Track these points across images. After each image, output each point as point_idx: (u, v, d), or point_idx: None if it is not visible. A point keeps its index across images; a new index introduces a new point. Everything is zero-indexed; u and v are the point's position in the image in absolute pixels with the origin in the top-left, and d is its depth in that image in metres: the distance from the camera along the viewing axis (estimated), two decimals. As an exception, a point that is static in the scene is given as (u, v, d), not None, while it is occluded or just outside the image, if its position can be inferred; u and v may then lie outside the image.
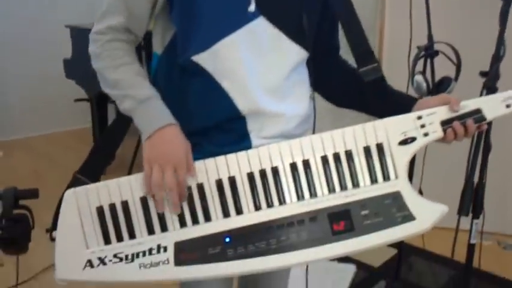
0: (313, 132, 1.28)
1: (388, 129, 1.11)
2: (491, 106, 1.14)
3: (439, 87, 1.82)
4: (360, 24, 1.19)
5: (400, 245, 2.19)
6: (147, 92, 1.10)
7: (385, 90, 1.20)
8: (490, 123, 1.67)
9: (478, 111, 1.13)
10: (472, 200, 1.72)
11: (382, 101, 1.19)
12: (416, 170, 2.02)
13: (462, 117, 1.12)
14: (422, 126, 1.12)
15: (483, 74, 1.71)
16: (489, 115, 1.13)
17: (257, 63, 1.13)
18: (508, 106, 1.14)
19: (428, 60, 1.87)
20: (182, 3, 1.10)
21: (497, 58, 1.69)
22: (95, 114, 3.44)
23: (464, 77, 1.80)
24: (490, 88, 1.68)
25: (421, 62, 1.87)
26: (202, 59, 1.11)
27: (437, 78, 1.85)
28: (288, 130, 1.19)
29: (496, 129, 1.75)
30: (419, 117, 1.12)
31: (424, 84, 1.83)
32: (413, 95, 1.81)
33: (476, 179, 1.75)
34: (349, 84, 1.25)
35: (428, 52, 1.86)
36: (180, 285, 1.33)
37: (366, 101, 1.22)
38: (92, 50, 1.14)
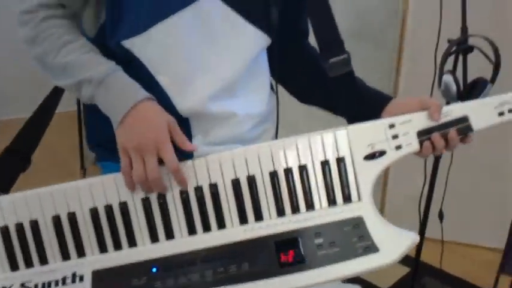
0: (277, 131, 1.09)
1: (352, 140, 0.92)
2: (481, 113, 0.94)
3: (472, 90, 1.57)
4: (329, 8, 0.97)
5: (414, 263, 1.97)
6: (103, 68, 0.90)
7: (355, 87, 1.00)
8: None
9: (464, 119, 0.94)
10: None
11: (350, 100, 0.99)
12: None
13: (444, 127, 0.93)
14: (395, 137, 0.93)
15: (482, 78, 1.52)
16: (477, 125, 0.93)
17: (206, 53, 0.94)
18: (501, 114, 0.94)
19: (461, 57, 1.60)
20: None
21: None
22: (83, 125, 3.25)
23: (502, 79, 1.53)
24: None
25: (451, 59, 1.60)
26: (134, 44, 0.91)
27: (470, 78, 1.59)
28: (241, 133, 1.00)
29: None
30: (392, 126, 0.93)
31: (454, 87, 1.56)
32: (439, 98, 1.56)
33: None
34: (315, 77, 1.05)
35: (461, 47, 1.59)
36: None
37: (332, 99, 1.02)
38: (24, 34, 0.93)
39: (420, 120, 0.93)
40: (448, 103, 1.62)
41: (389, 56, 2.32)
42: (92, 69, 0.88)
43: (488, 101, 0.95)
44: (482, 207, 2.27)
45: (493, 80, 1.52)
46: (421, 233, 1.91)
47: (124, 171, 0.87)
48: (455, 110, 0.94)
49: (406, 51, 2.30)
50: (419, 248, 1.92)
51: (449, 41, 1.60)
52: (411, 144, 0.93)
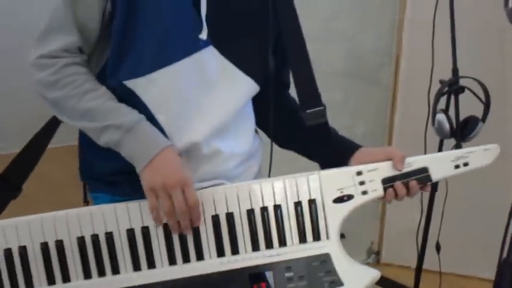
0: (259, 173, 1.17)
1: (323, 184, 1.01)
2: (439, 165, 1.04)
3: (464, 128, 1.63)
4: (309, 64, 1.07)
5: None
6: (131, 117, 0.95)
7: (328, 136, 1.09)
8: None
9: (424, 170, 1.04)
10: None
11: (323, 147, 1.08)
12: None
13: (406, 176, 1.03)
14: (362, 183, 1.02)
15: (474, 117, 1.57)
16: (435, 175, 1.04)
17: (202, 98, 1.01)
18: (457, 167, 1.05)
19: (453, 97, 1.66)
20: (125, 15, 0.95)
21: None
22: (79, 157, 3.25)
23: (493, 118, 1.61)
24: None
25: (443, 99, 1.67)
26: (136, 85, 0.98)
27: (462, 117, 1.65)
28: (227, 170, 1.07)
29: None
30: (359, 173, 1.02)
31: (447, 125, 1.61)
32: (433, 135, 1.66)
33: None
34: (293, 125, 1.13)
35: (453, 88, 1.65)
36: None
37: (308, 146, 1.11)
38: (42, 77, 0.97)
39: (385, 169, 1.03)
40: (441, 141, 1.72)
41: (384, 95, 2.40)
42: (120, 117, 0.94)
43: (446, 155, 1.05)
44: (479, 238, 2.26)
45: (483, 118, 1.60)
46: (419, 264, 1.95)
47: (152, 207, 0.93)
48: (416, 161, 1.04)
49: (400, 91, 2.36)
50: (417, 280, 1.98)
51: (441, 82, 1.68)
52: (376, 190, 1.02)
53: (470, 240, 2.35)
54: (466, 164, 1.05)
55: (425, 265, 1.98)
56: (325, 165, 1.05)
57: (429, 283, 2.09)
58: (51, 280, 0.96)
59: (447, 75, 1.68)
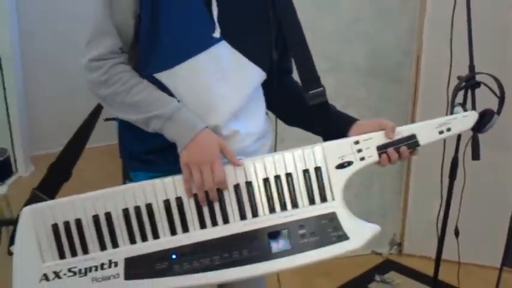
0: (272, 148, 1.35)
1: (326, 154, 1.19)
2: (425, 132, 1.21)
3: (481, 120, 1.65)
4: (308, 51, 1.26)
5: (432, 282, 2.10)
6: (170, 107, 1.14)
7: (328, 113, 1.27)
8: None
9: (412, 136, 1.21)
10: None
11: (325, 122, 1.26)
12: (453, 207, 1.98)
13: (397, 143, 1.20)
14: (359, 151, 1.19)
15: (490, 110, 1.61)
16: (423, 141, 1.21)
17: (220, 85, 1.19)
18: (441, 132, 1.21)
19: (470, 92, 1.77)
20: (150, 18, 1.14)
21: None
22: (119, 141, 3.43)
23: (508, 110, 1.69)
24: None
25: (461, 93, 1.77)
26: (163, 77, 1.17)
27: (478, 110, 1.63)
28: (244, 147, 1.25)
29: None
30: (357, 142, 1.20)
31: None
32: None
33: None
34: (298, 105, 1.31)
35: (470, 83, 1.77)
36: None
37: (311, 122, 1.29)
38: (94, 78, 1.15)
39: (379, 138, 1.20)
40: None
41: (405, 91, 2.56)
42: (161, 108, 1.14)
43: (431, 122, 1.22)
44: (497, 229, 2.27)
45: (499, 111, 1.67)
46: (438, 253, 2.04)
47: (186, 180, 1.13)
48: (405, 130, 1.21)
49: (421, 87, 2.52)
50: (436, 268, 2.08)
51: (459, 78, 1.80)
52: (372, 156, 1.20)
53: (489, 231, 2.43)
54: (448, 130, 1.22)
55: (446, 255, 2.07)
56: (327, 137, 1.23)
57: (448, 273, 2.21)
58: (103, 246, 1.15)
59: (465, 72, 1.79)
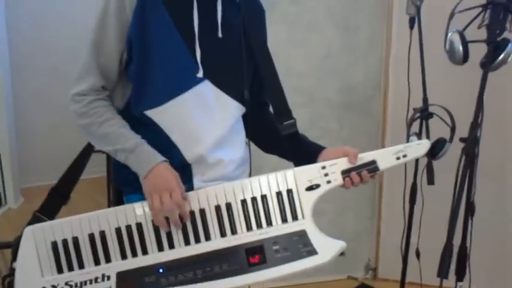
0: (250, 172, 1.50)
1: (297, 178, 1.34)
2: (384, 158, 1.37)
3: (434, 148, 1.86)
4: (280, 87, 1.43)
5: None
6: (133, 141, 1.30)
7: (298, 142, 1.43)
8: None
9: (373, 162, 1.37)
10: (455, 263, 1.73)
11: (296, 150, 1.42)
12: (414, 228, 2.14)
13: (359, 168, 1.36)
14: (326, 174, 1.35)
15: (462, 140, 1.80)
16: (382, 166, 1.37)
17: (204, 119, 1.35)
18: (398, 158, 1.37)
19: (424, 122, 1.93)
20: (140, 61, 1.30)
21: (475, 125, 1.77)
22: (110, 165, 3.51)
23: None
24: (468, 154, 1.75)
25: (418, 123, 1.94)
26: (154, 114, 1.33)
27: (434, 138, 1.88)
28: (227, 173, 1.40)
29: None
30: (323, 167, 1.36)
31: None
32: None
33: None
34: (273, 135, 1.46)
35: (424, 114, 1.94)
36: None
37: (284, 150, 1.45)
38: (75, 109, 1.32)
39: (343, 163, 1.36)
40: (416, 160, 1.99)
41: (376, 123, 2.76)
42: (126, 142, 1.29)
43: (389, 149, 1.38)
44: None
45: (450, 139, 1.86)
46: (403, 275, 2.19)
47: (151, 207, 1.27)
48: (366, 156, 1.37)
49: (389, 119, 2.70)
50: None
51: (414, 109, 1.99)
52: (337, 180, 1.35)
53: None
54: (404, 156, 1.38)
55: (412, 278, 2.20)
56: (298, 163, 1.38)
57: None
58: (97, 261, 1.28)
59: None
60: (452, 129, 1.86)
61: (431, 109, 1.92)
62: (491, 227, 2.49)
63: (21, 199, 3.76)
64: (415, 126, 1.97)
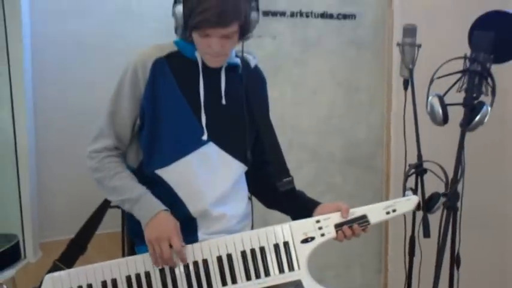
0: (252, 226, 1.62)
1: (293, 231, 1.46)
2: (375, 213, 1.48)
3: (430, 202, 1.93)
4: (279, 149, 1.57)
5: None
6: (138, 192, 1.44)
7: (296, 197, 1.56)
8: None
9: (364, 216, 1.48)
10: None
11: (293, 205, 1.55)
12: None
13: (351, 222, 1.47)
14: (320, 228, 1.46)
15: (444, 194, 1.89)
16: (373, 220, 1.48)
17: (208, 177, 1.49)
18: (387, 213, 1.49)
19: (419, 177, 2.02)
20: (151, 127, 1.47)
21: (455, 180, 1.85)
22: (124, 220, 3.63)
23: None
24: (449, 208, 1.82)
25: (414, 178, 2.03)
26: (163, 172, 1.47)
27: (430, 193, 1.95)
28: (230, 226, 1.53)
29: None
30: (318, 221, 1.47)
31: None
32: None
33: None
34: (273, 192, 1.58)
35: (418, 170, 2.04)
36: None
37: (283, 205, 1.57)
38: (91, 165, 1.49)
39: (336, 217, 1.47)
40: (414, 213, 2.10)
41: (379, 178, 2.86)
42: (132, 192, 1.44)
43: (379, 205, 1.49)
44: None
45: (444, 194, 1.92)
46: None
47: (150, 254, 1.39)
48: (358, 211, 1.48)
49: (392, 174, 2.78)
50: None
51: (409, 165, 2.09)
52: (330, 233, 1.46)
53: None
54: (394, 210, 1.49)
55: None
56: (295, 217, 1.50)
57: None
58: (108, 308, 1.39)
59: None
60: (447, 184, 1.95)
61: (425, 165, 2.02)
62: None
63: (39, 253, 3.88)
64: (412, 181, 2.07)
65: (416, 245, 2.20)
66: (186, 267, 1.41)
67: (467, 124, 1.81)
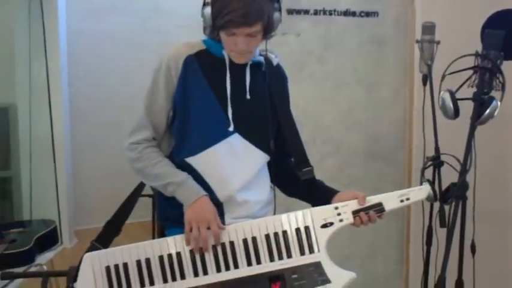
0: (274, 212, 1.73)
1: (313, 216, 1.56)
2: (389, 201, 1.58)
3: (446, 193, 1.99)
4: (300, 140, 1.68)
5: None
6: (181, 176, 1.57)
7: (315, 186, 1.66)
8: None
9: (379, 204, 1.58)
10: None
11: (313, 194, 1.66)
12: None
13: (368, 209, 1.57)
14: (339, 214, 1.57)
15: (453, 184, 1.97)
16: (387, 207, 1.58)
17: (233, 165, 1.61)
18: (401, 201, 1.58)
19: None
20: (182, 118, 1.59)
21: (464, 170, 1.94)
22: (155, 208, 3.76)
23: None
24: (458, 197, 1.90)
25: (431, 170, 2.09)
26: (192, 160, 1.60)
27: (447, 184, 2.01)
28: (253, 212, 1.64)
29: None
30: (336, 208, 1.57)
31: (431, 192, 1.78)
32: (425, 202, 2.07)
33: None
34: (293, 181, 1.70)
35: (435, 162, 2.10)
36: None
37: (303, 193, 1.68)
38: (131, 156, 1.62)
39: (353, 205, 1.57)
40: (432, 205, 2.19)
41: (401, 172, 2.95)
42: (175, 177, 1.56)
43: (394, 193, 1.59)
44: None
45: (454, 184, 1.97)
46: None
47: (186, 232, 1.51)
48: (374, 199, 1.58)
49: (414, 169, 2.85)
50: None
51: (426, 158, 2.16)
52: (348, 219, 1.56)
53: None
54: (408, 199, 1.58)
55: None
56: (315, 204, 1.61)
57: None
58: (142, 284, 1.52)
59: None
60: (461, 176, 2.03)
61: (443, 158, 2.10)
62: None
63: (75, 239, 4.07)
64: (430, 174, 2.15)
65: (434, 235, 2.28)
66: (214, 248, 1.53)
67: (477, 118, 1.89)
